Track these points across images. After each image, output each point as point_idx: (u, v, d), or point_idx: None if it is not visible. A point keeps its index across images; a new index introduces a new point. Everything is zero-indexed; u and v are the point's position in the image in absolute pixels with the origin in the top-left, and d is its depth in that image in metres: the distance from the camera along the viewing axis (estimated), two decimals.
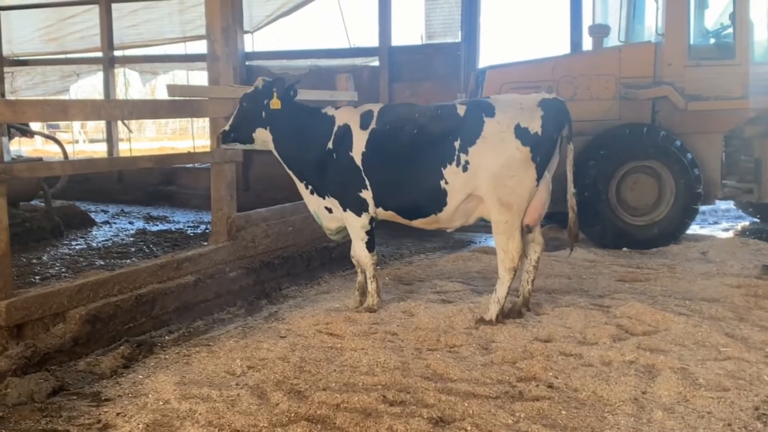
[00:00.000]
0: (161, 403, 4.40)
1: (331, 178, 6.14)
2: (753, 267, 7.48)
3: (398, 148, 5.90)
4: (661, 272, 7.50)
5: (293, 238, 7.94)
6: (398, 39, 13.71)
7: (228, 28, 7.08)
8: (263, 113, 6.20)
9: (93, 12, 15.82)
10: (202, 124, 23.56)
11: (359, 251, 6.27)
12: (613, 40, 10.82)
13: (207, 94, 7.03)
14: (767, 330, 5.44)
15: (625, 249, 8.93)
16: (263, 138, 6.28)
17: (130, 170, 14.30)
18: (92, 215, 11.37)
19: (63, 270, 7.42)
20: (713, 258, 8.07)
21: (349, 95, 8.67)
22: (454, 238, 10.13)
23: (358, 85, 9.31)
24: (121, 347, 5.42)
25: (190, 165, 13.46)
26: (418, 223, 6.11)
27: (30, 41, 17.10)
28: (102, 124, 22.51)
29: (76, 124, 29.46)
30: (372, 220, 6.16)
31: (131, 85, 22.93)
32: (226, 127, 6.29)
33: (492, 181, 5.65)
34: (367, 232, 6.19)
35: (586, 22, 11.96)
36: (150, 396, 4.51)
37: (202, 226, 10.80)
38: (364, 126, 6.05)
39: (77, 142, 29.32)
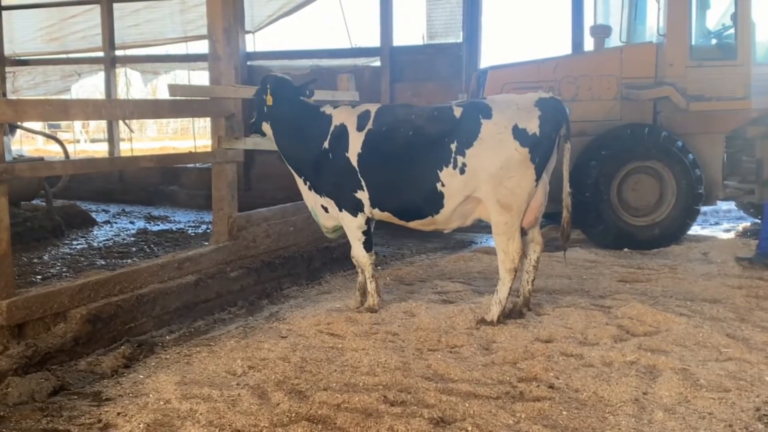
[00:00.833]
0: (162, 402, 4.40)
1: (327, 177, 6.15)
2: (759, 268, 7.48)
3: (394, 149, 5.88)
4: (663, 273, 7.50)
5: (294, 238, 7.94)
6: (400, 39, 13.71)
7: (230, 28, 7.08)
8: (264, 108, 6.39)
9: (94, 12, 15.83)
10: (204, 124, 23.54)
11: (357, 251, 6.27)
12: (614, 41, 10.82)
13: (208, 94, 7.03)
14: None
15: (626, 249, 8.93)
16: (268, 132, 6.52)
17: (132, 170, 14.30)
18: (93, 215, 11.37)
19: (64, 269, 7.43)
20: (714, 259, 8.06)
21: (351, 95, 8.66)
22: (455, 238, 10.13)
23: (359, 86, 9.31)
24: (122, 347, 5.42)
25: (192, 165, 13.46)
26: (414, 224, 6.10)
27: (31, 41, 17.10)
28: (103, 123, 22.51)
29: (78, 124, 29.46)
30: (368, 220, 6.17)
31: (132, 85, 23.00)
32: (253, 119, 6.68)
33: (491, 183, 5.63)
34: (364, 233, 6.19)
35: (588, 22, 11.96)
36: (151, 396, 4.51)
37: (203, 226, 10.80)
38: (360, 127, 6.04)
39: (78, 141, 29.30)
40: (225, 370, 4.92)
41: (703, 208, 10.05)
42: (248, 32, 14.75)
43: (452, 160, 5.69)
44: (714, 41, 9.90)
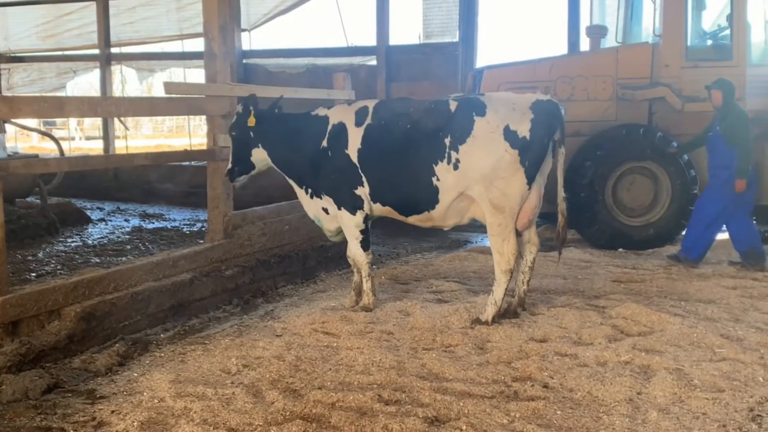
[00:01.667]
0: (156, 401, 4.40)
1: (326, 175, 6.15)
2: (750, 269, 7.50)
3: (393, 143, 5.89)
4: (657, 273, 7.52)
5: (289, 236, 7.94)
6: (396, 38, 13.73)
7: (225, 26, 7.07)
8: (251, 134, 6.30)
9: (90, 9, 15.79)
10: (199, 122, 23.54)
11: (354, 250, 6.27)
12: (610, 41, 10.82)
13: (204, 92, 7.03)
14: (762, 331, 5.46)
15: (620, 250, 8.94)
16: (261, 157, 6.39)
17: (127, 167, 14.22)
18: (88, 212, 11.32)
19: (58, 267, 7.40)
20: (709, 259, 8.07)
21: (346, 94, 8.67)
22: (451, 237, 10.13)
23: (355, 85, 9.31)
24: (117, 345, 5.42)
25: (187, 163, 13.42)
26: (413, 219, 6.10)
27: (27, 38, 17.05)
28: (98, 121, 22.45)
29: (72, 121, 29.38)
30: (367, 218, 6.16)
31: (128, 83, 22.90)
32: (229, 166, 6.44)
33: (483, 183, 5.63)
34: (362, 231, 6.19)
35: (584, 22, 11.98)
36: (145, 394, 4.51)
37: (198, 224, 10.77)
38: (359, 123, 6.04)
39: (74, 139, 29.22)
40: (219, 369, 4.91)
41: None
42: (244, 30, 14.73)
43: (446, 155, 5.69)
44: (709, 42, 9.91)
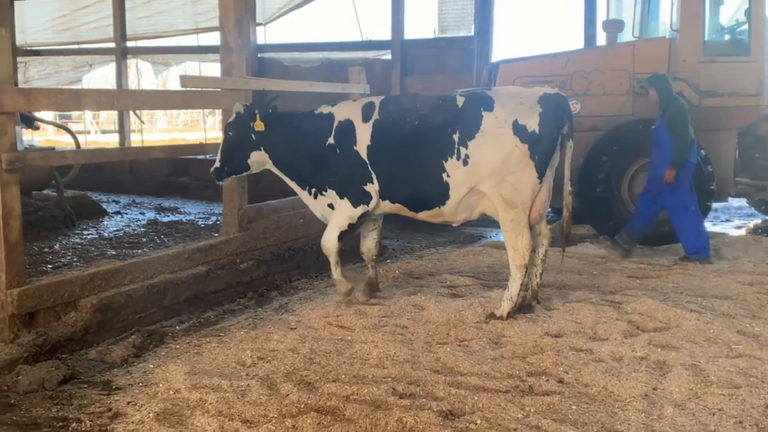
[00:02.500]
0: (172, 392, 4.42)
1: (333, 171, 6.07)
2: (765, 264, 7.43)
3: (402, 139, 5.84)
4: (673, 269, 7.48)
5: (304, 230, 7.95)
6: (411, 32, 13.70)
7: (241, 20, 7.08)
8: (253, 136, 6.15)
9: (106, 2, 15.86)
10: (214, 116, 23.60)
11: (330, 235, 6.13)
12: (627, 36, 10.76)
13: (220, 86, 7.04)
14: None
15: (636, 245, 8.88)
16: (260, 160, 6.25)
17: (142, 161, 14.32)
18: (104, 205, 11.39)
19: (74, 259, 7.45)
20: (725, 255, 8.03)
21: (362, 88, 8.65)
22: (465, 232, 10.11)
23: (370, 79, 9.29)
24: (132, 336, 5.45)
25: (202, 156, 13.44)
26: (423, 215, 6.06)
27: (43, 31, 17.16)
28: (114, 115, 22.59)
29: (88, 115, 29.56)
30: (363, 216, 6.11)
31: (143, 76, 23.07)
32: (216, 164, 6.24)
33: (494, 179, 5.61)
34: (350, 225, 6.11)
35: (601, 17, 11.91)
36: (160, 385, 4.53)
37: (213, 218, 10.81)
38: (366, 118, 5.99)
39: (89, 132, 29.40)
40: (234, 361, 4.93)
41: (715, 205, 9.98)
42: (259, 24, 14.76)
43: (456, 151, 5.66)
44: (727, 37, 9.83)
